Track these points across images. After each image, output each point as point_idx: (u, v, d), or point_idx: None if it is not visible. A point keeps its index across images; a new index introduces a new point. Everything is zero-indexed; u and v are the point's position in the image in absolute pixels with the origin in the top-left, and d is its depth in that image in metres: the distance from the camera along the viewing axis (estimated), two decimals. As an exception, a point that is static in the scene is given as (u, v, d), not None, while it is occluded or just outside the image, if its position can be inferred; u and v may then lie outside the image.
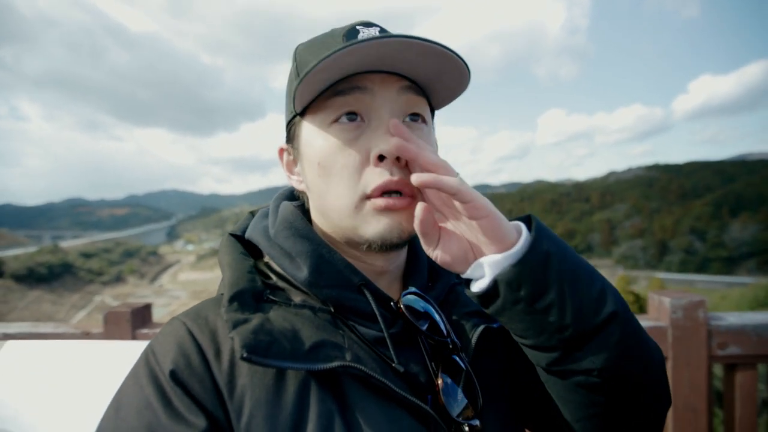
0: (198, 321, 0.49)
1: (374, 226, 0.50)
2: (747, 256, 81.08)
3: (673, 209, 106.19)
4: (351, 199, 0.50)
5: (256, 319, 0.46)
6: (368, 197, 0.50)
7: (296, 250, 0.53)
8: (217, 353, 0.47)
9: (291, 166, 0.61)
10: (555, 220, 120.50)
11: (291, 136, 0.58)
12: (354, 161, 0.50)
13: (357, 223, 0.51)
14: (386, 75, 0.51)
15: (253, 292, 0.50)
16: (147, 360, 0.47)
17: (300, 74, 0.49)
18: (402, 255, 0.61)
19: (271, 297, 0.51)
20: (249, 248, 0.58)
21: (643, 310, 1.33)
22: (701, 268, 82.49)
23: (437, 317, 0.55)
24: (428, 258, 0.57)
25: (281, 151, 0.62)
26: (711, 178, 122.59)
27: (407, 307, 0.54)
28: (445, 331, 0.55)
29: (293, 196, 0.64)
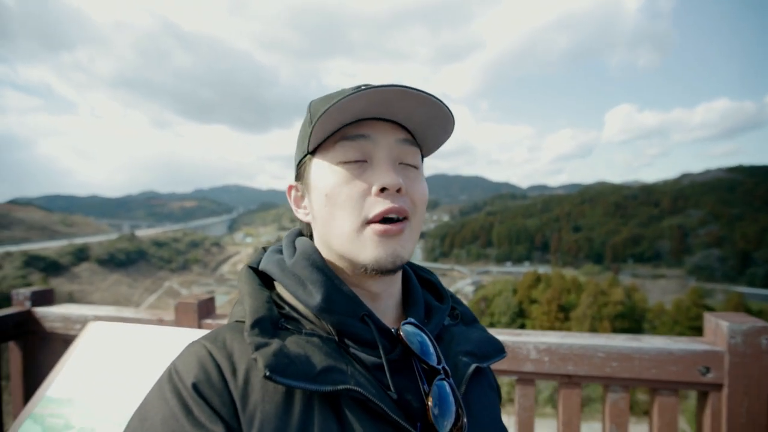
0: (216, 343, 0.55)
1: (371, 250, 0.56)
2: None
3: (759, 216, 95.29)
4: (354, 224, 0.57)
5: (274, 344, 0.52)
6: (369, 222, 0.57)
7: (311, 279, 0.59)
8: (233, 371, 0.52)
9: (299, 201, 0.68)
10: (618, 225, 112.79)
11: (300, 174, 0.66)
12: (357, 192, 0.57)
13: (356, 248, 0.57)
14: (387, 124, 0.60)
15: (271, 320, 0.56)
16: (170, 377, 0.52)
17: (313, 119, 0.57)
18: (396, 284, 0.67)
19: (286, 325, 0.57)
20: (262, 280, 0.65)
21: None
22: (792, 284, 73.34)
23: (431, 347, 0.61)
24: (424, 295, 0.71)
25: (290, 188, 0.69)
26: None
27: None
28: (436, 359, 0.60)
29: (302, 234, 0.72)
